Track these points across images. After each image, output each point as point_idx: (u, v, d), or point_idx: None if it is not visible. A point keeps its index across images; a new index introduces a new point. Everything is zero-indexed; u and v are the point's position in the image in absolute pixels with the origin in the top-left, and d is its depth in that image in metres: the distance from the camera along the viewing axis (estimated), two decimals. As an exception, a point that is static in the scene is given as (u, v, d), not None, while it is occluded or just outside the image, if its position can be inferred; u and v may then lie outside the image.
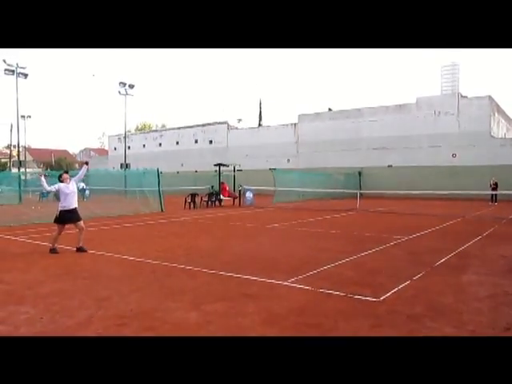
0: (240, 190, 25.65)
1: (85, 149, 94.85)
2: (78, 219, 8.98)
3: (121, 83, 41.90)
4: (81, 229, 8.93)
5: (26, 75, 38.59)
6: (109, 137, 65.26)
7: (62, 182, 8.97)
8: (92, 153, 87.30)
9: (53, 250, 8.74)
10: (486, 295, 5.61)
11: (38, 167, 75.03)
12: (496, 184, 26.85)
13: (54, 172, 45.69)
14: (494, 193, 26.13)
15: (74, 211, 8.95)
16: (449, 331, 4.26)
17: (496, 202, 26.13)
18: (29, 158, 72.60)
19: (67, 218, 8.89)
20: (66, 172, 9.41)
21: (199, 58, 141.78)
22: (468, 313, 4.88)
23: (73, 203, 8.93)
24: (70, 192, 8.89)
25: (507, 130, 42.31)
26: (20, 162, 45.18)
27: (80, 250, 8.80)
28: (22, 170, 43.97)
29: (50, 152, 77.84)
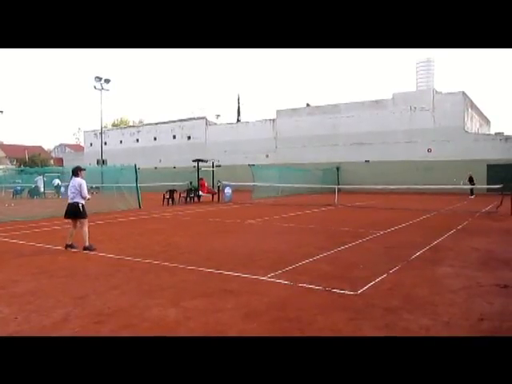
0: (219, 186, 25.57)
1: (60, 145, 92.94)
2: (75, 215, 8.93)
3: (96, 78, 41.19)
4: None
5: (-3, 69, 37.50)
6: (84, 132, 64.08)
7: (78, 175, 8.89)
8: (67, 149, 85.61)
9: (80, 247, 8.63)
10: (460, 287, 5.75)
11: (11, 164, 73.21)
12: (471, 178, 27.56)
13: (28, 168, 44.57)
14: (470, 187, 26.83)
15: (71, 206, 8.85)
16: (425, 323, 4.36)
17: (473, 195, 26.76)
18: (1, 154, 70.83)
19: (67, 212, 8.92)
20: (83, 169, 9.26)
21: (177, 53, 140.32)
22: (443, 304, 5.00)
23: (70, 198, 8.87)
24: (69, 187, 8.91)
25: (480, 125, 43.37)
26: (-8, 158, 43.96)
27: (71, 247, 8.74)
28: (-5, 166, 42.80)
29: (23, 148, 76.00)
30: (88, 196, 8.94)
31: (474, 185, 26.90)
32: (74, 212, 8.76)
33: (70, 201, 8.80)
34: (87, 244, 8.61)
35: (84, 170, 9.24)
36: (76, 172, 8.96)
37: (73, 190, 8.74)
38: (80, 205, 8.73)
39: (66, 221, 9.37)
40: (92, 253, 8.33)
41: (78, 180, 8.82)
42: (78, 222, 8.83)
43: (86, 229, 8.75)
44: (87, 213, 9.02)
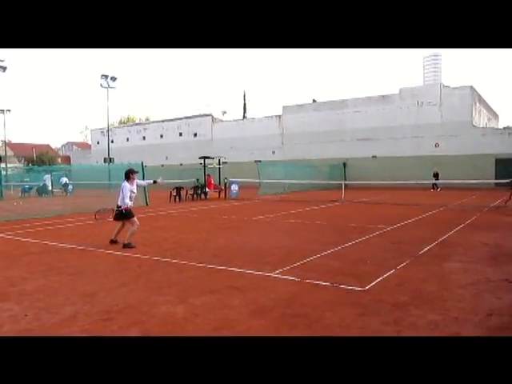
0: (225, 183, 25.59)
1: (67, 143, 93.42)
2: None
3: (103, 76, 41.27)
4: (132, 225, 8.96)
5: (4, 68, 37.74)
6: (91, 130, 64.40)
7: (129, 179, 8.98)
8: (74, 147, 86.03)
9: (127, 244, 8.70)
10: (469, 282, 5.72)
11: (19, 162, 73.76)
12: (437, 174, 30.03)
13: (36, 167, 44.81)
14: (435, 182, 28.85)
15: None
16: (433, 318, 4.34)
17: (438, 189, 28.88)
18: (9, 152, 71.26)
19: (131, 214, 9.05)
20: (137, 172, 9.40)
21: (182, 50, 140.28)
22: (451, 300, 4.97)
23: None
24: (135, 193, 9.12)
25: (488, 119, 43.01)
26: (0, 157, 44.30)
27: (126, 246, 8.69)
28: (3, 165, 43.16)
29: (31, 147, 76.49)
30: (128, 202, 8.86)
31: (437, 180, 29.01)
32: (118, 215, 9.03)
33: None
34: (126, 241, 8.67)
35: (136, 172, 9.34)
36: (128, 175, 9.02)
37: (124, 193, 8.89)
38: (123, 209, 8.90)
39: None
40: (100, 250, 8.38)
41: (123, 184, 8.94)
42: (127, 222, 8.97)
43: (133, 228, 8.84)
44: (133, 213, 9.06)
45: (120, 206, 8.91)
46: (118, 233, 9.09)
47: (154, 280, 6.06)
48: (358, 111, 39.08)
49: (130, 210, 8.93)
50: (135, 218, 8.99)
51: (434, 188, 29.33)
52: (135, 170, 9.40)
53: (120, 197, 8.91)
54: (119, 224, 9.14)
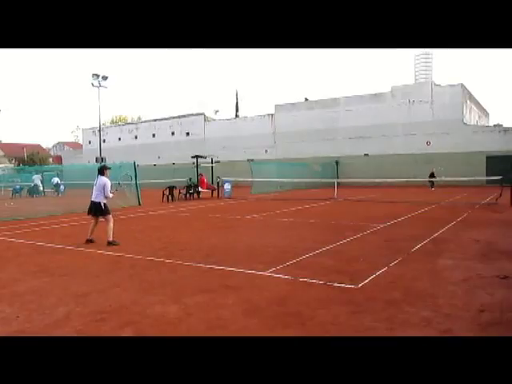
0: (218, 182, 25.55)
1: (58, 143, 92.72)
2: (98, 213, 9.11)
3: (94, 75, 41.00)
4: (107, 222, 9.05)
5: (-6, 68, 37.36)
6: (83, 130, 63.93)
7: (103, 174, 9.14)
8: (66, 147, 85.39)
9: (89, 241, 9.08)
10: (461, 279, 5.76)
11: (10, 162, 73.13)
12: (433, 173, 29.60)
13: (27, 167, 44.41)
14: (431, 180, 28.64)
15: (93, 204, 9.07)
16: (425, 315, 4.36)
17: (433, 187, 28.62)
18: (0, 153, 70.71)
19: (90, 209, 9.16)
20: (109, 168, 9.59)
21: (175, 49, 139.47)
22: (444, 296, 5.00)
23: (94, 196, 9.07)
24: (96, 186, 9.08)
25: (479, 117, 43.33)
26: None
27: (91, 241, 9.04)
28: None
29: (21, 147, 75.83)
30: (110, 195, 9.18)
31: (434, 178, 28.86)
32: (97, 210, 9.07)
33: (93, 199, 9.08)
34: (111, 239, 8.86)
35: (109, 168, 9.58)
36: (102, 171, 9.19)
37: (99, 189, 8.99)
38: (102, 204, 9.02)
39: (88, 217, 9.75)
40: (92, 250, 8.34)
41: (103, 179, 9.06)
42: (103, 219, 9.08)
43: (110, 225, 9.00)
44: (110, 209, 9.32)
45: (99, 202, 8.99)
46: (92, 231, 9.18)
47: (147, 280, 6.04)
48: (350, 110, 39.18)
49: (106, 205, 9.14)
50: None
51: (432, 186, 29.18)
52: (108, 166, 9.69)
53: (101, 191, 8.95)
54: (93, 222, 9.24)
